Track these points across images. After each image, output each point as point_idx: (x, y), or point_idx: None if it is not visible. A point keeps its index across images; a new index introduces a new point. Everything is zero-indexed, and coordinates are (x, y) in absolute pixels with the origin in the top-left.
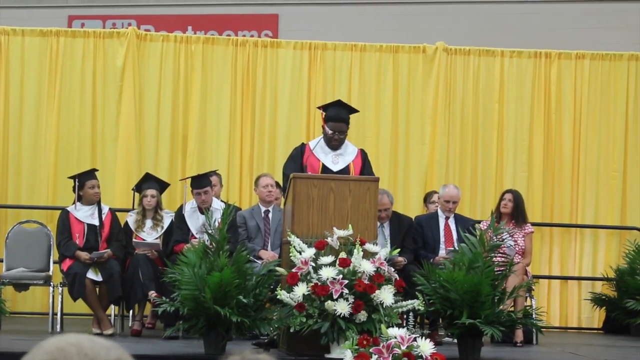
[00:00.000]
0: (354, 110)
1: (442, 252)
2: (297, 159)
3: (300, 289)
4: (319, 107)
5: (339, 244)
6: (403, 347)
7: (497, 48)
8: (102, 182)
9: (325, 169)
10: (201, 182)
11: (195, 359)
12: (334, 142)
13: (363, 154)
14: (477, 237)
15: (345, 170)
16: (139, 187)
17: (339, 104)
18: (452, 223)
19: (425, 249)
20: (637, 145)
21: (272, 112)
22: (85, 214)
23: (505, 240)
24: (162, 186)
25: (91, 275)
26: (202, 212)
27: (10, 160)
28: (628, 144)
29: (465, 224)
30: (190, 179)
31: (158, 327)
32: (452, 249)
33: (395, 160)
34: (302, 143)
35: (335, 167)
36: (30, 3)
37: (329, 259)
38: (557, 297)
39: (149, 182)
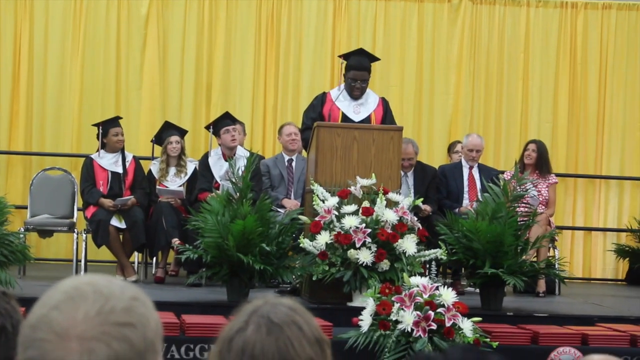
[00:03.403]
0: (376, 59)
1: (465, 202)
2: (317, 108)
3: (323, 238)
4: (340, 56)
5: (362, 192)
6: (425, 296)
7: None
8: (125, 130)
9: (345, 119)
10: (229, 119)
11: (218, 306)
12: (356, 92)
13: (384, 103)
14: (501, 187)
15: (367, 120)
16: (159, 136)
17: (360, 52)
18: (475, 173)
19: (449, 199)
20: None
21: (296, 61)
22: (109, 162)
23: (529, 191)
24: (182, 133)
25: (115, 222)
26: (226, 160)
27: (35, 108)
28: None
29: (489, 174)
30: (216, 122)
31: (181, 275)
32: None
33: (420, 110)
34: (324, 92)
35: (357, 117)
36: None
37: (352, 207)
38: (580, 248)
39: (169, 130)
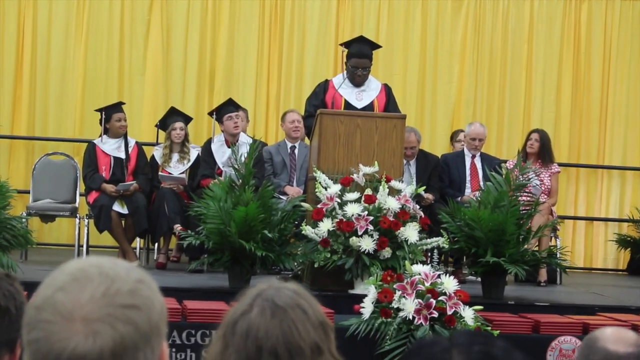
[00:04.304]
0: (377, 46)
1: (467, 191)
2: (320, 95)
3: (325, 225)
4: (341, 44)
5: (364, 180)
6: (427, 284)
7: None
8: (128, 115)
9: (348, 106)
10: (233, 105)
11: (220, 293)
12: (358, 79)
13: (387, 89)
14: (503, 176)
15: (369, 107)
16: (164, 122)
17: (361, 39)
18: (478, 162)
19: (451, 188)
20: None
21: (299, 49)
22: (111, 147)
23: (531, 180)
24: (186, 120)
25: (117, 207)
26: (229, 146)
27: (38, 92)
28: None
29: (491, 163)
30: (219, 108)
31: (183, 261)
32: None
33: (423, 98)
34: (326, 79)
35: (359, 104)
36: None
37: (354, 195)
38: (582, 237)
39: (174, 116)
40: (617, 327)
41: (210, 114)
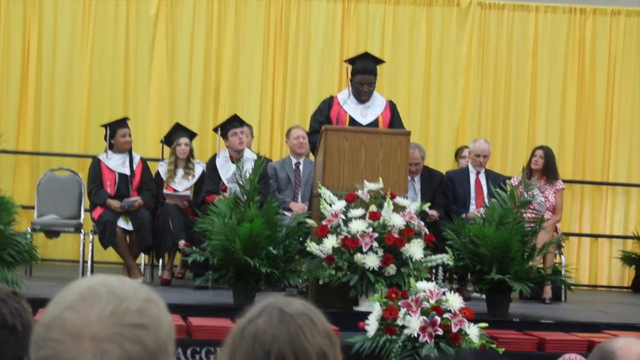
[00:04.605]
0: (381, 61)
1: (472, 208)
2: (325, 111)
3: (330, 242)
4: (346, 61)
5: (369, 197)
6: (432, 301)
7: (531, 3)
8: (133, 131)
9: (353, 122)
10: (237, 121)
11: (225, 309)
12: (363, 96)
13: (392, 106)
14: (508, 192)
15: (374, 123)
16: (169, 138)
17: (365, 56)
18: (482, 178)
19: (455, 204)
20: None
21: (304, 64)
22: (116, 163)
23: (536, 197)
24: (191, 136)
25: (122, 223)
26: (233, 162)
27: (42, 108)
28: None
29: (496, 180)
30: (224, 124)
31: (187, 277)
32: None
33: (427, 114)
34: (331, 95)
35: (364, 121)
36: None
37: (359, 211)
38: (587, 254)
39: (179, 132)
40: (630, 338)
41: (215, 129)
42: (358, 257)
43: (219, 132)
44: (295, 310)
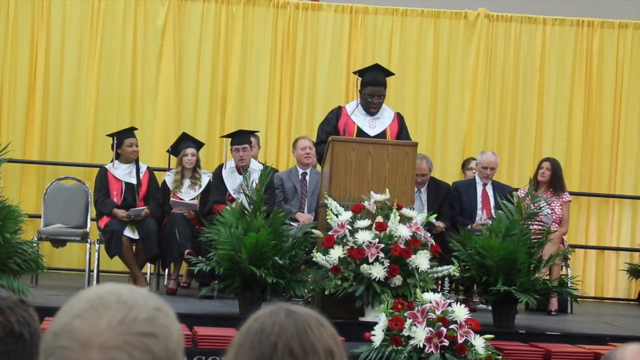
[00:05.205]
0: (390, 73)
1: (478, 219)
2: (332, 122)
3: (336, 252)
4: (355, 72)
5: (375, 207)
6: (438, 312)
7: (539, 15)
8: (140, 141)
9: (360, 133)
10: (241, 139)
11: (230, 319)
12: (373, 108)
13: (399, 118)
14: (515, 204)
15: (382, 135)
16: (176, 148)
17: (376, 67)
18: (489, 190)
19: (462, 216)
20: None
21: (311, 75)
22: (123, 172)
23: (543, 209)
24: (198, 146)
25: (128, 233)
26: (240, 173)
27: (50, 117)
28: None
29: (502, 191)
30: (230, 137)
31: (193, 287)
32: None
33: (434, 126)
34: (339, 106)
35: (372, 132)
36: None
37: (365, 222)
38: (593, 267)
39: (186, 141)
40: (637, 345)
41: (223, 137)
42: (364, 267)
43: (228, 140)
44: (303, 311)
